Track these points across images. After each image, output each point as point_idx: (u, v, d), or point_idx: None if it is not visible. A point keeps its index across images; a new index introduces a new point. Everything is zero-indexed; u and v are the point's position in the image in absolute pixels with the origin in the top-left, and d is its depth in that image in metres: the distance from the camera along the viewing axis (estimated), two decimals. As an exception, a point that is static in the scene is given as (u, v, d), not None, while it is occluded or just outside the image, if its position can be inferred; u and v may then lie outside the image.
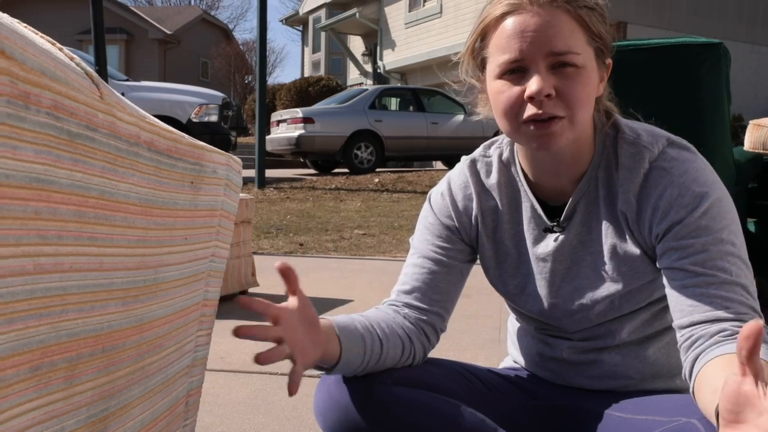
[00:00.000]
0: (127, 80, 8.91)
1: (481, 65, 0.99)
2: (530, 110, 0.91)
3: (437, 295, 1.08)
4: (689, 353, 0.87)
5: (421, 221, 1.13)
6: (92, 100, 0.56)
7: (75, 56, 0.59)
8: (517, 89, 0.92)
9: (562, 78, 0.90)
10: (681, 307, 0.89)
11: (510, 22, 0.91)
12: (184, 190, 0.76)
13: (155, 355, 0.74)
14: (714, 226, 0.90)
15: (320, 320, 0.90)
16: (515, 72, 0.92)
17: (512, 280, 1.09)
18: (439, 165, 13.05)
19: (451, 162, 11.16)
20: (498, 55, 0.93)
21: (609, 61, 0.98)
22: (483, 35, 0.96)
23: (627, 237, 0.98)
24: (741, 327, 0.83)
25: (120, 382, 0.67)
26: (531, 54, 0.90)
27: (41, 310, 0.52)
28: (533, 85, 0.89)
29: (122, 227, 0.62)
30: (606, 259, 1.00)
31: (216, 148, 0.85)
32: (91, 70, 0.59)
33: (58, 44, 0.59)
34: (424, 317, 1.07)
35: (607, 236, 0.99)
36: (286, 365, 2.10)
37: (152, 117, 0.71)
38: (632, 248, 0.98)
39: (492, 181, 1.09)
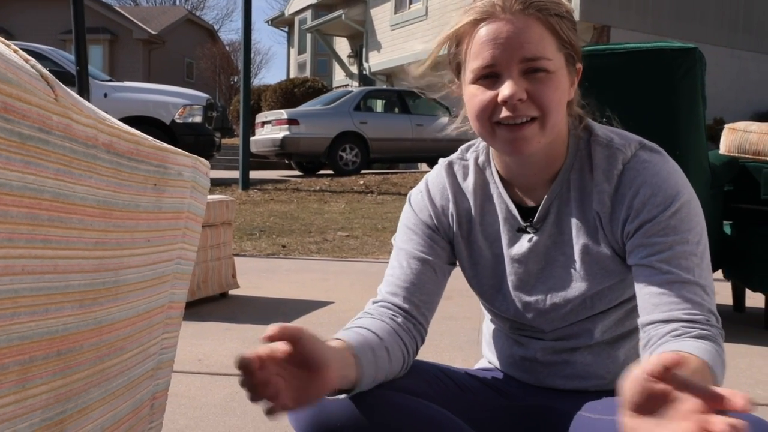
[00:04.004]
0: (110, 81, 8.84)
1: (456, 70, 1.01)
2: (504, 113, 0.94)
3: (424, 296, 1.09)
4: (643, 353, 0.92)
5: (403, 222, 1.14)
6: (46, 102, 0.56)
7: (30, 58, 0.59)
8: (490, 93, 0.94)
9: (534, 82, 0.93)
10: (644, 305, 0.94)
11: (483, 30, 0.94)
12: (146, 193, 0.76)
13: (116, 358, 0.74)
14: (681, 227, 0.94)
15: (335, 344, 0.88)
16: (489, 77, 0.94)
17: (488, 281, 1.11)
18: (424, 167, 13.07)
19: (435, 164, 11.17)
20: (472, 61, 0.96)
21: (579, 66, 1.01)
22: (457, 41, 0.99)
23: (599, 238, 1.01)
24: (693, 328, 0.88)
25: (77, 384, 0.66)
26: (504, 60, 0.93)
27: (-10, 313, 0.51)
28: (506, 90, 0.92)
29: (79, 229, 0.62)
30: (578, 259, 1.02)
31: (181, 150, 0.85)
32: (46, 72, 0.59)
33: (13, 46, 0.58)
34: (413, 322, 1.07)
35: (579, 237, 1.02)
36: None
37: (113, 119, 0.71)
38: (604, 249, 1.00)
39: (468, 183, 1.11)
